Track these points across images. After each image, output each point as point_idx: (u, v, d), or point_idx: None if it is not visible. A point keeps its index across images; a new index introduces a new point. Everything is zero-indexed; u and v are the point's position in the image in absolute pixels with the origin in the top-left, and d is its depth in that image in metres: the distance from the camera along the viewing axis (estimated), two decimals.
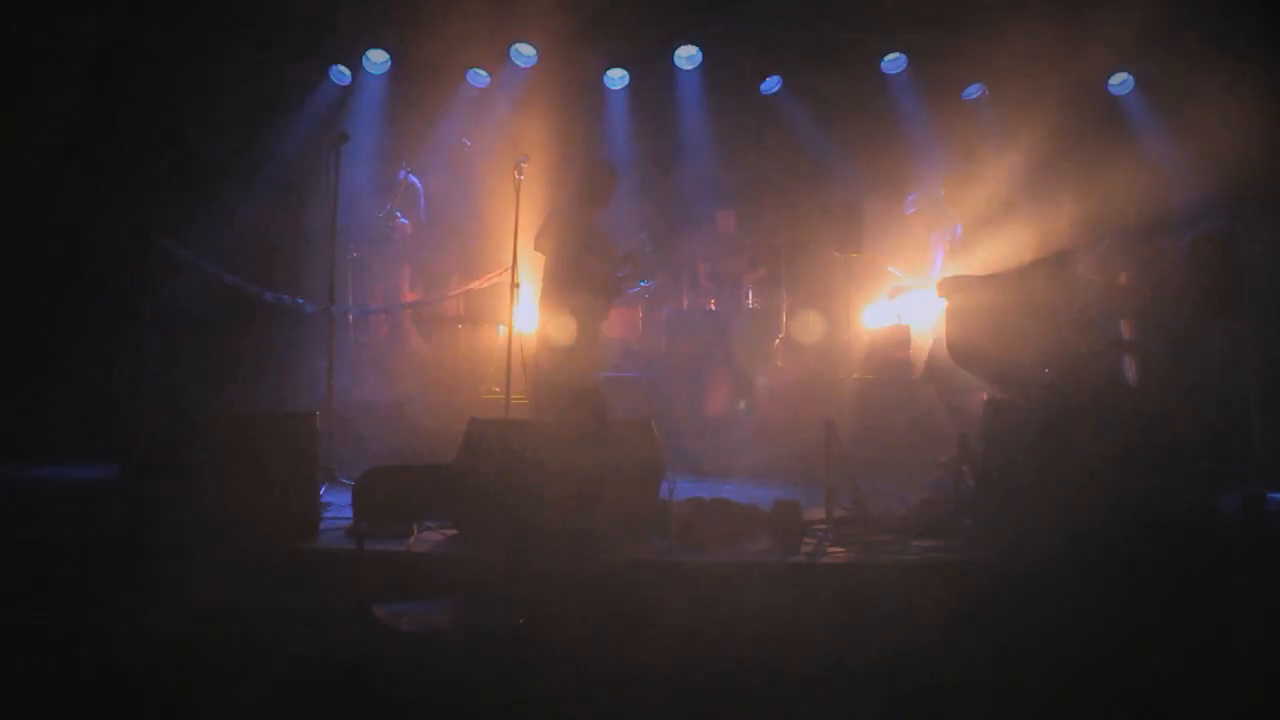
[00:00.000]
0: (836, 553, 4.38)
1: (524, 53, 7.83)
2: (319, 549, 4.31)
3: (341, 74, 7.82)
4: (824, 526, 4.72)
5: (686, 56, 7.98)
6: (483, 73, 8.01)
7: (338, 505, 4.89)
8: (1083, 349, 5.36)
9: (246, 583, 3.91)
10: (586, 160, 6.22)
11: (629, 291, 6.82)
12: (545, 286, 6.01)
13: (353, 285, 7.29)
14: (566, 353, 5.85)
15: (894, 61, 7.99)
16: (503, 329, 6.79)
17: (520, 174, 5.91)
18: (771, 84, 8.16)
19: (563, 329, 5.87)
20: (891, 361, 6.85)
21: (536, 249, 6.02)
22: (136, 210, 6.07)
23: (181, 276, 6.02)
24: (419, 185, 7.58)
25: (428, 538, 4.44)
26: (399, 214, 7.47)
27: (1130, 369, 6.19)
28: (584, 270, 5.89)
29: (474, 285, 6.42)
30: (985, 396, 5.46)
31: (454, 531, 4.44)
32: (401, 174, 7.47)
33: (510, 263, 5.97)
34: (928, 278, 6.80)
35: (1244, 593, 4.01)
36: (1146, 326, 6.36)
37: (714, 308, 7.76)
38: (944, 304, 5.74)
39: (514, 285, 5.97)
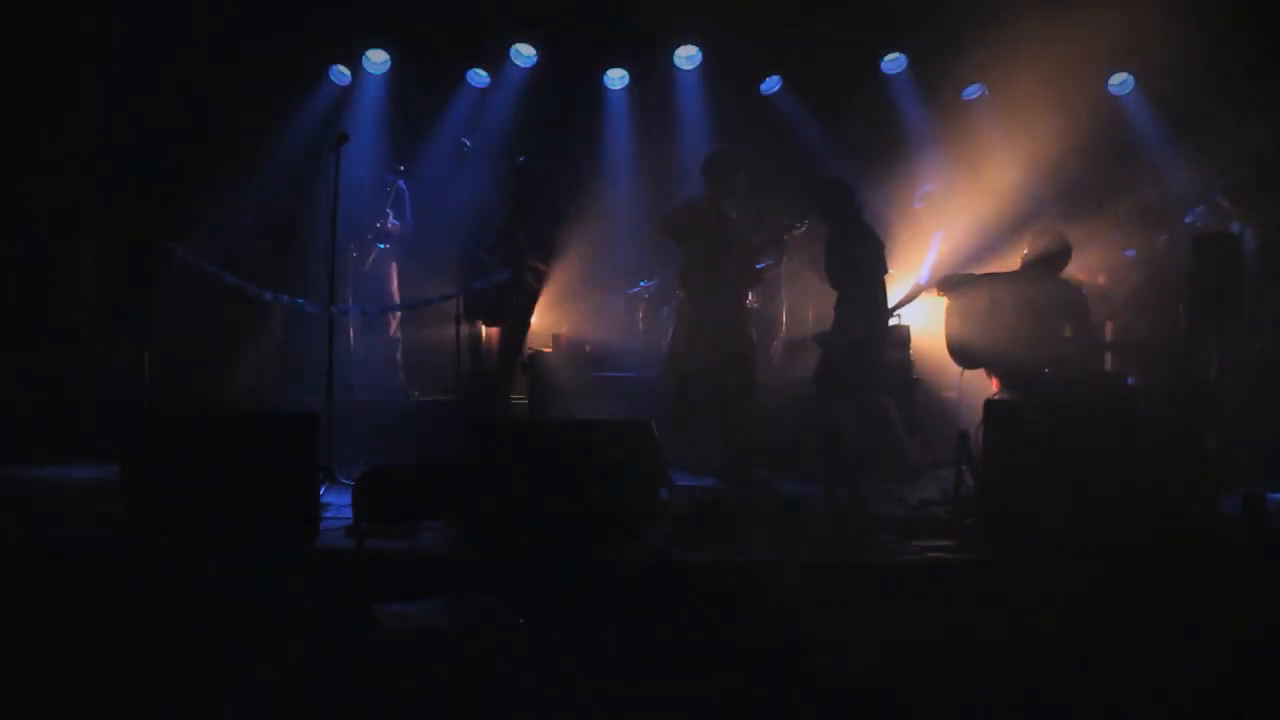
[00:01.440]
0: (836, 553, 4.38)
1: (524, 53, 7.83)
2: (319, 549, 4.31)
3: (341, 74, 7.82)
4: (825, 525, 4.72)
5: (686, 56, 7.98)
6: (483, 73, 8.02)
7: (338, 505, 4.89)
8: (1073, 348, 5.38)
9: (247, 583, 3.91)
10: (710, 152, 6.19)
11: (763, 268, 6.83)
12: (687, 276, 6.05)
13: (352, 284, 7.30)
14: (711, 338, 5.87)
15: (894, 61, 7.99)
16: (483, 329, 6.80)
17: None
18: (771, 84, 8.16)
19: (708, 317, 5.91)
20: (891, 361, 6.84)
21: (671, 238, 6.07)
22: (136, 210, 6.07)
23: (181, 277, 6.00)
24: (405, 190, 7.59)
25: (428, 538, 4.44)
26: (390, 214, 7.49)
27: (1113, 366, 6.22)
28: (722, 261, 5.90)
29: (473, 286, 6.41)
30: (994, 387, 5.48)
31: (454, 531, 4.44)
32: (388, 176, 7.49)
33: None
34: (917, 285, 6.81)
35: (1244, 593, 4.01)
36: (1142, 325, 6.38)
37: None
38: (944, 303, 5.75)
39: (514, 285, 5.97)
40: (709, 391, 5.88)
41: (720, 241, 5.92)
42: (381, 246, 7.40)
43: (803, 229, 6.03)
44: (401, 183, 7.54)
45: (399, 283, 7.58)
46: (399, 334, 7.60)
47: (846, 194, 5.96)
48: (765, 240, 6.10)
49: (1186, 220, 6.64)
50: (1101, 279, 6.65)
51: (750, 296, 6.63)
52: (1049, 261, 5.52)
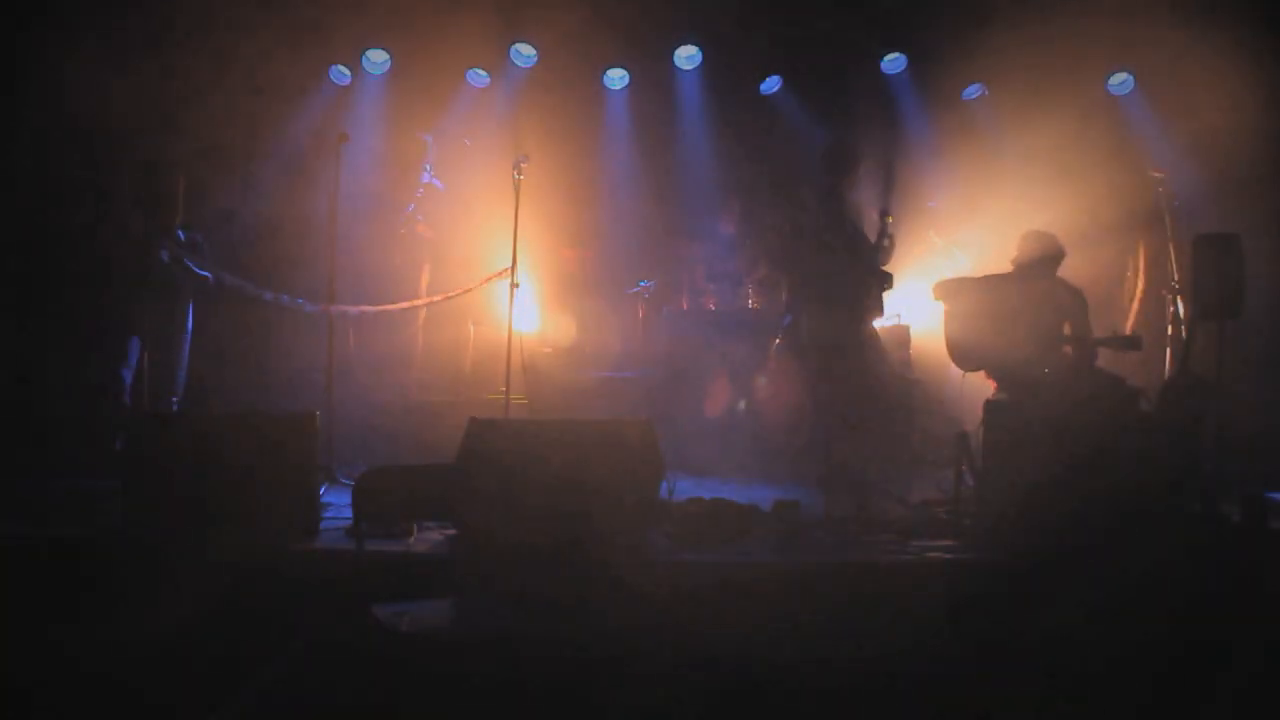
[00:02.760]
0: (836, 553, 4.38)
1: (524, 53, 7.83)
2: (319, 549, 4.31)
3: (341, 74, 7.81)
4: (824, 526, 4.72)
5: (686, 56, 7.98)
6: (483, 73, 8.01)
7: (338, 505, 4.89)
8: (1076, 348, 5.39)
9: (246, 583, 3.91)
10: (829, 142, 5.97)
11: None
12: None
13: (358, 283, 7.28)
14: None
15: (894, 61, 7.99)
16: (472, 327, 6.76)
17: (520, 174, 5.90)
18: (771, 84, 8.16)
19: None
20: (891, 361, 6.84)
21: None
22: (136, 210, 6.06)
23: (181, 277, 5.99)
24: (441, 187, 7.55)
25: (428, 538, 4.44)
26: (420, 218, 7.45)
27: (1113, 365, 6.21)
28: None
29: (473, 286, 6.40)
30: (994, 388, 5.48)
31: (454, 531, 4.44)
32: (425, 177, 7.44)
33: (510, 263, 5.96)
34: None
35: (1244, 593, 4.01)
36: (1139, 323, 6.38)
37: (713, 307, 7.76)
38: (941, 306, 5.75)
39: (514, 285, 5.96)
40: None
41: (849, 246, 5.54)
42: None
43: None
44: (438, 181, 7.46)
45: (428, 285, 7.51)
46: (403, 334, 7.54)
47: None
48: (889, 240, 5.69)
49: None
50: (1100, 277, 6.64)
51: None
52: (1042, 263, 5.53)
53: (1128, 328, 6.53)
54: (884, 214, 5.59)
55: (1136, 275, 6.64)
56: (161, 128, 6.72)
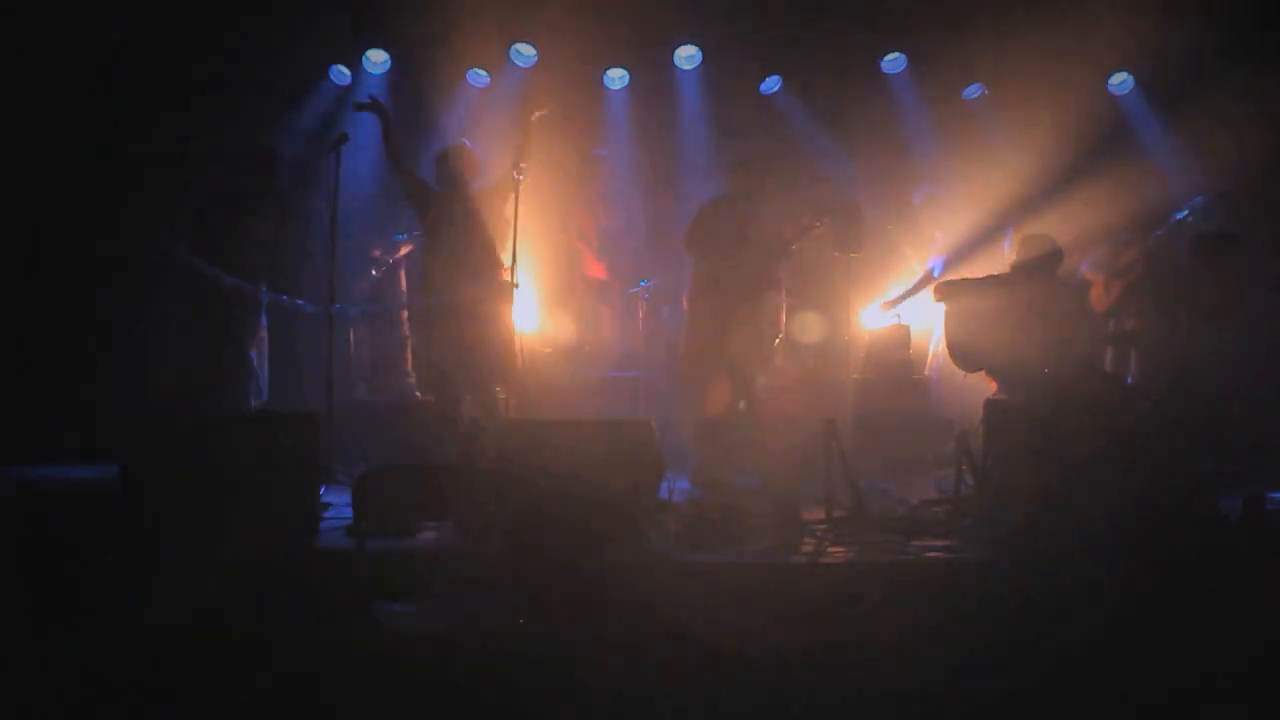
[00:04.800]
0: (836, 553, 4.38)
1: (524, 53, 7.82)
2: (319, 549, 4.31)
3: (341, 74, 7.81)
4: (824, 526, 4.72)
5: (686, 56, 7.97)
6: (483, 73, 8.00)
7: (338, 505, 4.89)
8: (1076, 348, 5.39)
9: (246, 583, 3.91)
10: (742, 157, 6.25)
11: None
12: (702, 280, 6.08)
13: (363, 283, 7.28)
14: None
15: (894, 61, 7.98)
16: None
17: (520, 174, 5.90)
18: (771, 84, 8.15)
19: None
20: (891, 361, 6.85)
21: (695, 251, 6.10)
22: (136, 210, 6.07)
23: (181, 276, 6.00)
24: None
25: (428, 538, 4.44)
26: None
27: (1112, 365, 6.22)
28: (741, 263, 5.95)
29: (472, 287, 6.39)
30: (994, 388, 5.49)
31: (454, 531, 4.44)
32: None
33: (510, 263, 5.95)
34: (928, 276, 6.81)
35: (1244, 593, 4.01)
36: (1137, 321, 6.37)
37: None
38: (942, 307, 5.75)
39: (514, 285, 5.96)
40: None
41: (740, 243, 5.95)
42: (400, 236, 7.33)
43: (821, 228, 6.00)
44: None
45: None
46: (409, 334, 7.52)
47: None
48: (790, 238, 6.10)
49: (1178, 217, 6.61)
50: (1136, 272, 6.62)
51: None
52: (1041, 264, 5.53)
53: (1128, 327, 6.52)
54: (808, 227, 6.01)
55: (1136, 275, 6.63)
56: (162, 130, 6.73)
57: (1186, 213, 6.43)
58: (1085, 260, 6.57)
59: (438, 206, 5.86)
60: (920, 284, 6.83)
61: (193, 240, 5.96)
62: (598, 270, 7.93)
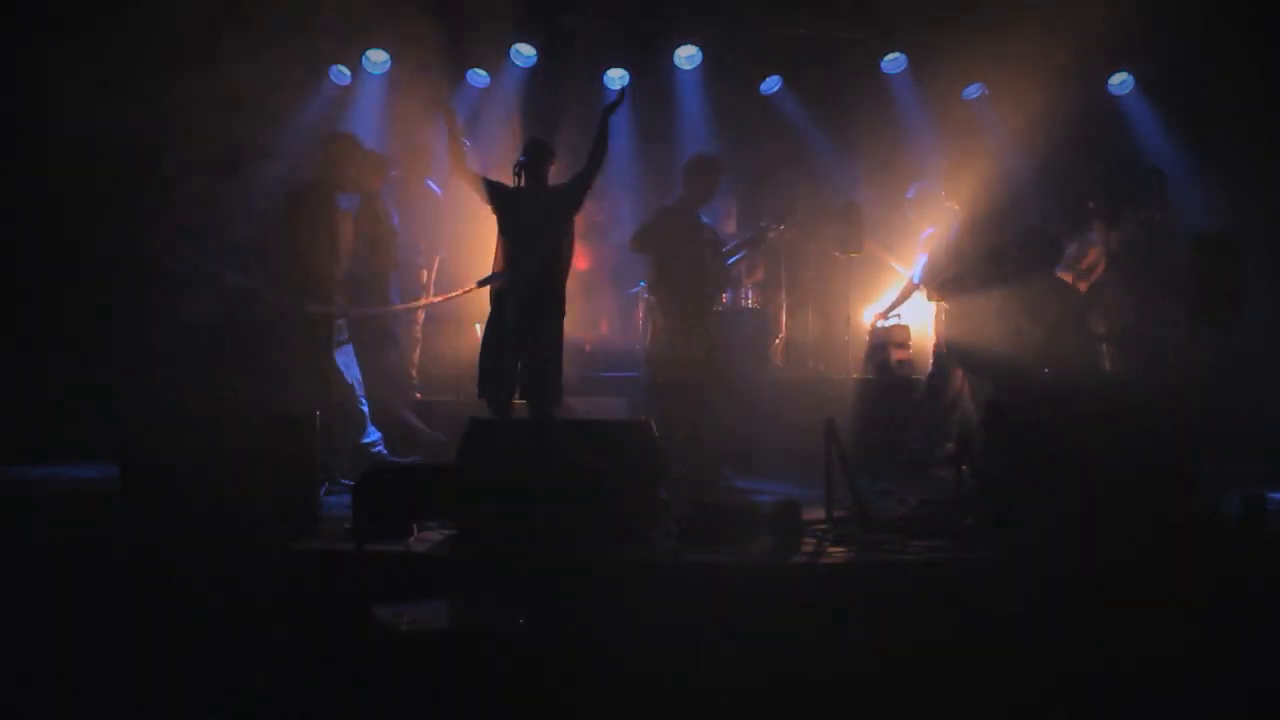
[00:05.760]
0: (836, 553, 4.38)
1: (524, 53, 7.83)
2: (319, 549, 4.31)
3: (341, 74, 7.81)
4: (824, 526, 4.72)
5: (686, 56, 7.97)
6: (483, 73, 8.01)
7: (338, 505, 4.89)
8: (1073, 347, 5.39)
9: (246, 583, 3.92)
10: (692, 155, 6.26)
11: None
12: (657, 282, 6.10)
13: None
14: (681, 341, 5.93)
15: (894, 61, 7.99)
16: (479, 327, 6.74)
17: (520, 174, 5.89)
18: (771, 84, 8.16)
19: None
20: (892, 361, 6.85)
21: (644, 251, 6.10)
22: (136, 210, 6.07)
23: (181, 276, 6.01)
24: (439, 192, 7.53)
25: (428, 538, 4.44)
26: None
27: (1111, 363, 6.21)
28: (692, 264, 5.95)
29: (473, 287, 6.39)
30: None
31: (454, 531, 4.44)
32: (428, 182, 7.41)
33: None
34: (910, 284, 6.81)
35: (1244, 593, 4.01)
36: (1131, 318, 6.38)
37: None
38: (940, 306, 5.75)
39: None
40: (680, 393, 5.91)
41: (690, 245, 5.94)
42: None
43: (781, 229, 6.07)
44: (435, 186, 7.46)
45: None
46: (419, 335, 7.50)
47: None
48: (742, 243, 6.19)
49: None
50: (1098, 272, 6.63)
51: (723, 297, 6.78)
52: (1039, 262, 5.53)
53: (1099, 331, 6.52)
54: (766, 228, 6.32)
55: (1136, 275, 6.63)
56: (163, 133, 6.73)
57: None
58: None
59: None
60: (906, 292, 6.83)
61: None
62: (580, 260, 7.91)
